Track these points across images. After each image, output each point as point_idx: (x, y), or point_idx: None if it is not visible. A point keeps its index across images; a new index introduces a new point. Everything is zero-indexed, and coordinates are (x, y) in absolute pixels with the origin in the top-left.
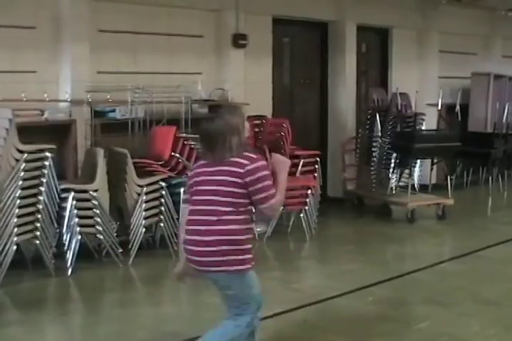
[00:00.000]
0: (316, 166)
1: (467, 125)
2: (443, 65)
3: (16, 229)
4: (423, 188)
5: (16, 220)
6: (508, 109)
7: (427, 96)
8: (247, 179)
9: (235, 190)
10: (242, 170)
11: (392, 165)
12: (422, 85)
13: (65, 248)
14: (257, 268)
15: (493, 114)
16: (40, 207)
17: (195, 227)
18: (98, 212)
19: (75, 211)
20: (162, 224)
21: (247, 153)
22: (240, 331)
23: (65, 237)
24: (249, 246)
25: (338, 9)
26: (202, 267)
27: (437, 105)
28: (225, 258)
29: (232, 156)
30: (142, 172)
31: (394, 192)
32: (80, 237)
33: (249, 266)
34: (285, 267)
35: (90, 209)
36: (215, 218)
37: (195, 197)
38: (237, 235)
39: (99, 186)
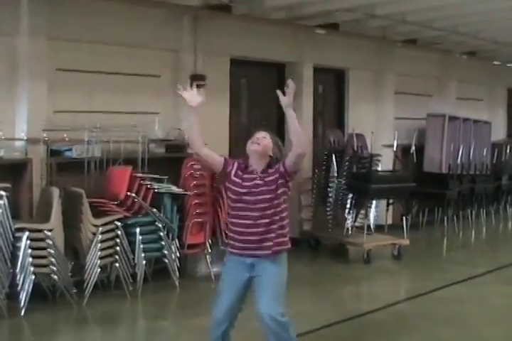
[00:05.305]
0: None
1: (422, 166)
2: (399, 106)
3: None
4: (379, 228)
5: None
6: (462, 151)
7: (382, 137)
8: None
9: None
10: None
11: (348, 205)
12: (378, 126)
13: (19, 288)
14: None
15: (447, 155)
16: None
17: None
18: (53, 251)
19: (29, 250)
20: (117, 264)
21: None
22: None
23: (18, 277)
24: None
25: (296, 50)
26: None
27: (393, 146)
28: None
29: None
30: (98, 211)
31: (350, 232)
32: (33, 277)
33: None
34: None
35: (45, 248)
36: None
37: None
38: None
39: (54, 225)
